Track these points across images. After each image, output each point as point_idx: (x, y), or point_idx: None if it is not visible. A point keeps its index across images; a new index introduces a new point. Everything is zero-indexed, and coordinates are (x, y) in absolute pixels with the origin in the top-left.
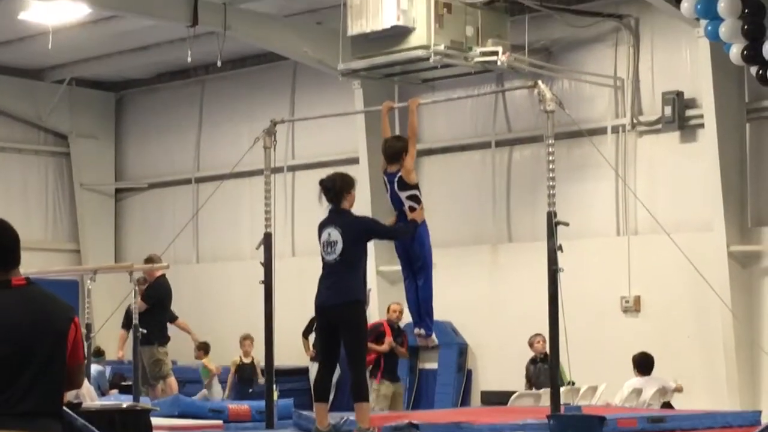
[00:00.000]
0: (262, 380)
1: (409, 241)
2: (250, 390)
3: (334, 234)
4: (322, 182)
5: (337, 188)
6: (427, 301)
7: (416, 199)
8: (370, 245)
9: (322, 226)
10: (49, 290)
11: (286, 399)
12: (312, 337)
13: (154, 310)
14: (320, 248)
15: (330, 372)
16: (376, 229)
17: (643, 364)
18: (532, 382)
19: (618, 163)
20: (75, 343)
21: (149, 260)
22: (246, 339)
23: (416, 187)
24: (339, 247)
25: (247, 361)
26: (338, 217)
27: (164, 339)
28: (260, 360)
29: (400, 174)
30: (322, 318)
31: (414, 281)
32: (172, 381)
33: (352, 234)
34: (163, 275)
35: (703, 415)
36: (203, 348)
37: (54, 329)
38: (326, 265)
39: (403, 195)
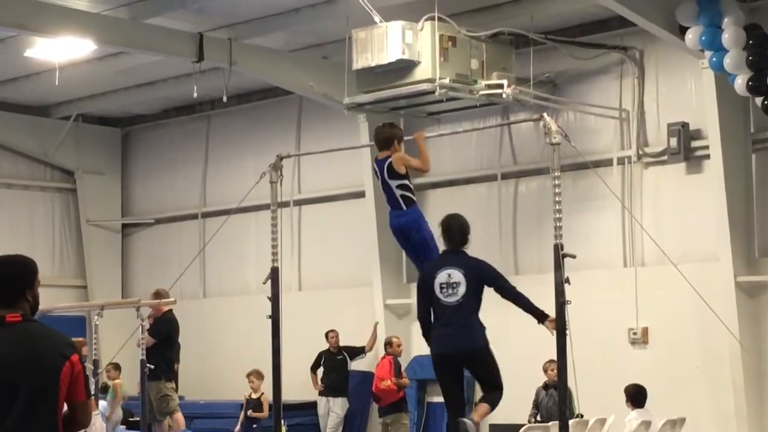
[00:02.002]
0: (263, 414)
1: (410, 233)
2: (254, 425)
3: (455, 275)
4: (453, 221)
5: (465, 233)
6: None
7: (408, 188)
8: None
9: (438, 267)
10: (48, 327)
11: None
12: (320, 371)
13: (162, 345)
14: (435, 289)
15: (458, 418)
16: (501, 284)
17: (637, 396)
18: (541, 408)
19: (624, 195)
20: (73, 380)
21: (157, 294)
22: (250, 374)
23: (406, 176)
24: (462, 289)
25: (255, 396)
26: (458, 257)
27: (171, 374)
28: (268, 395)
29: (390, 161)
30: (449, 365)
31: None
32: (179, 417)
33: (478, 277)
34: (170, 310)
35: None
36: (116, 367)
37: (44, 367)
38: (445, 307)
39: (393, 183)
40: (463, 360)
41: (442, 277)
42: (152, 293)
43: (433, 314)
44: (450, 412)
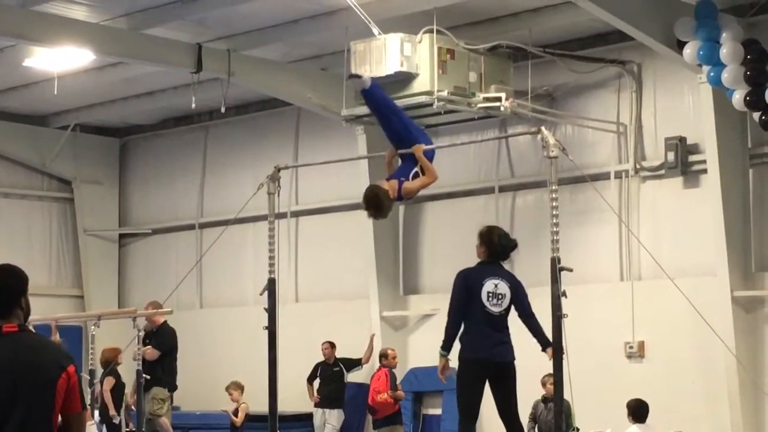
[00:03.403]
0: (237, 421)
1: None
2: None
3: (502, 286)
4: (508, 240)
5: (513, 246)
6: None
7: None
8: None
9: (483, 276)
10: (44, 337)
11: None
12: (316, 383)
13: (166, 356)
14: (482, 297)
15: (474, 427)
16: (526, 303)
17: (639, 411)
18: (539, 421)
19: (621, 209)
20: (69, 392)
21: (154, 306)
22: (229, 387)
23: (415, 193)
24: (506, 300)
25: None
26: (501, 270)
27: (173, 385)
28: (249, 406)
29: (402, 197)
30: (486, 373)
31: None
32: (165, 422)
33: (519, 293)
34: (166, 321)
35: None
36: None
37: (41, 377)
38: (490, 315)
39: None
40: (501, 370)
41: (489, 285)
42: (152, 303)
43: (470, 320)
44: (466, 420)
